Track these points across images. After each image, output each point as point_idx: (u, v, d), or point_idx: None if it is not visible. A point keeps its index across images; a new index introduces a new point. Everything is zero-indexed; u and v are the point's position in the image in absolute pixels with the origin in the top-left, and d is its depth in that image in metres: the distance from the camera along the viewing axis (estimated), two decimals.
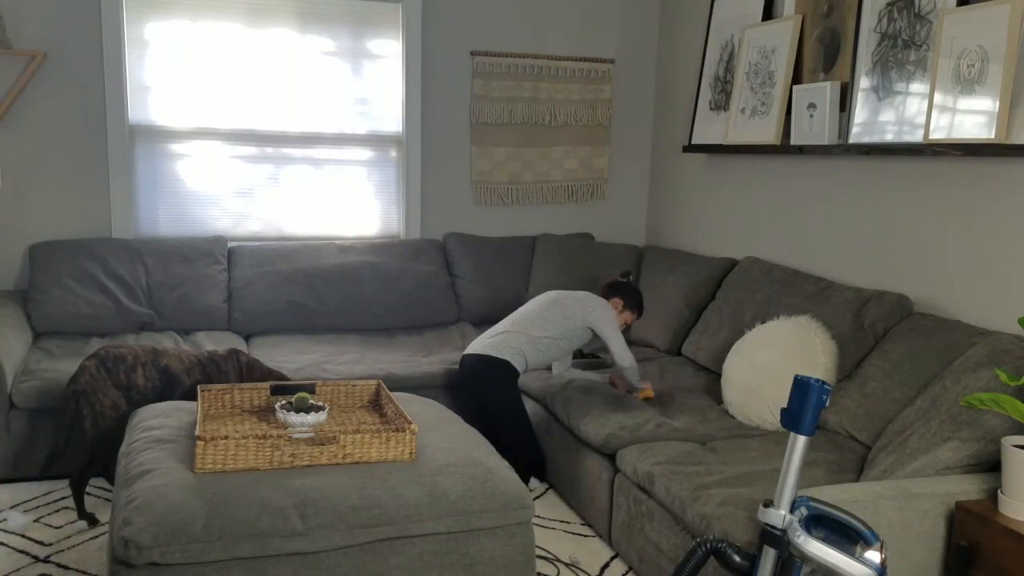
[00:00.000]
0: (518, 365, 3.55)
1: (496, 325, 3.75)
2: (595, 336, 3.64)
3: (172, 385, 3.25)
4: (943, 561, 2.31)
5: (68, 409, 3.12)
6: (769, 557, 1.94)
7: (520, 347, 3.57)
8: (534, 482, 3.67)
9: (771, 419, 3.16)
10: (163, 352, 3.30)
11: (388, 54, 4.71)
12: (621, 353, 3.55)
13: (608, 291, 3.77)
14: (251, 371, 3.39)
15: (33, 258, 4.09)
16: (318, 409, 2.65)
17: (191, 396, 3.26)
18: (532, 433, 3.59)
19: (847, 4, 3.58)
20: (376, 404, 3.03)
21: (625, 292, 3.77)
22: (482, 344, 3.61)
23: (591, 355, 4.13)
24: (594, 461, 3.22)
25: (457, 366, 3.85)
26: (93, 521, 3.18)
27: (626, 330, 3.86)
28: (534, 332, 3.59)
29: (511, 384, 3.53)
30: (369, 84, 4.70)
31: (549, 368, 3.89)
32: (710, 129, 4.48)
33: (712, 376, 3.76)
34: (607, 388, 3.57)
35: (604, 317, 3.60)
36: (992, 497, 2.30)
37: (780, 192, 4.08)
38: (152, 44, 4.33)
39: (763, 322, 3.60)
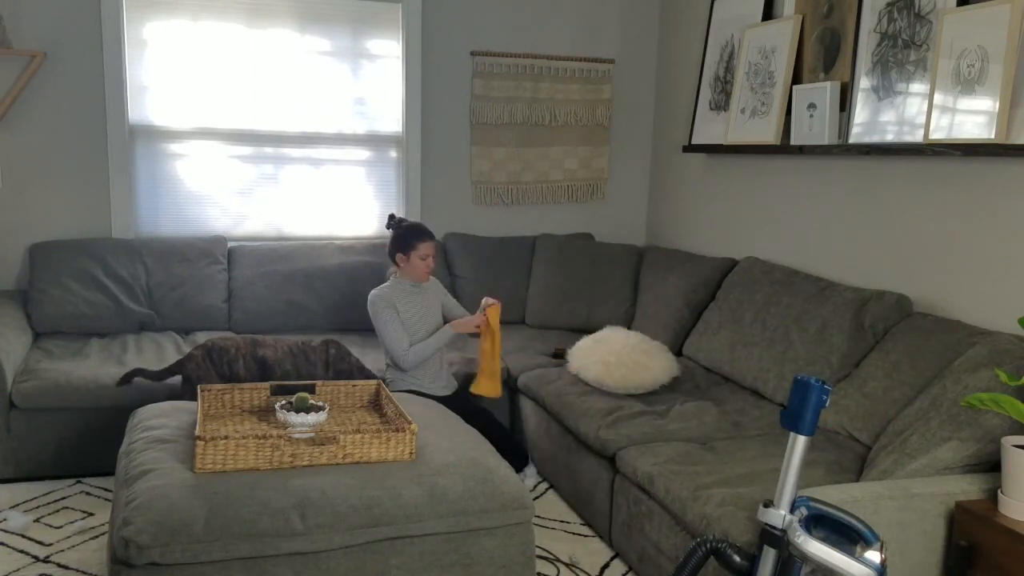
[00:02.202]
0: (415, 387, 3.57)
1: None
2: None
3: (267, 374, 3.32)
4: (943, 561, 2.31)
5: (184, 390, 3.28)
6: (769, 557, 1.95)
7: (392, 375, 3.62)
8: (532, 476, 3.67)
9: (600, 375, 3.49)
10: (261, 342, 3.37)
11: (388, 54, 4.71)
12: (392, 345, 3.52)
13: (390, 258, 3.65)
14: (338, 362, 3.41)
15: (33, 258, 4.09)
16: (318, 409, 2.65)
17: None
18: (499, 427, 3.58)
19: (847, 4, 3.58)
20: (376, 404, 3.03)
21: (396, 243, 3.60)
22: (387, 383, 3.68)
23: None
24: (594, 461, 3.22)
25: (456, 366, 3.87)
26: None
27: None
28: (386, 358, 3.67)
29: (440, 402, 3.52)
30: (369, 84, 4.70)
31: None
32: (710, 129, 4.48)
33: (713, 376, 3.76)
34: (606, 388, 3.55)
35: (372, 313, 3.57)
36: (992, 497, 2.30)
37: (780, 192, 4.08)
38: (152, 44, 4.33)
39: (763, 322, 3.60)
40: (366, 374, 3.47)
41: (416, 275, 3.60)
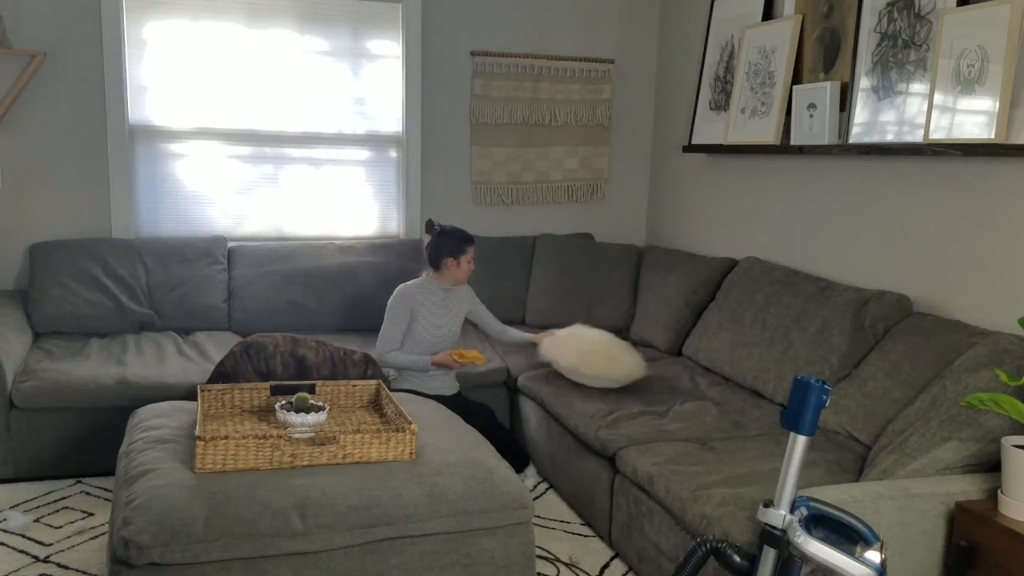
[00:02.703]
0: (418, 388, 3.61)
1: None
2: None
3: (305, 374, 3.32)
4: (943, 561, 2.31)
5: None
6: (769, 557, 1.94)
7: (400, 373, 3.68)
8: (532, 476, 3.67)
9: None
10: (302, 342, 3.37)
11: (388, 54, 4.71)
12: (379, 338, 3.60)
13: (432, 260, 3.67)
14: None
15: (33, 258, 4.09)
16: (318, 409, 2.65)
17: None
18: (500, 427, 3.60)
19: (847, 4, 3.58)
20: (376, 404, 3.03)
21: (444, 247, 3.64)
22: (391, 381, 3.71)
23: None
24: (594, 461, 3.22)
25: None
26: None
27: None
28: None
29: (442, 402, 3.54)
30: (369, 84, 4.70)
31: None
32: (710, 129, 4.48)
33: (713, 376, 3.76)
34: (606, 388, 3.56)
35: (389, 305, 3.64)
36: (992, 497, 2.30)
37: (780, 192, 4.08)
38: (152, 44, 4.33)
39: (763, 322, 3.60)
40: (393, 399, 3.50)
41: (460, 278, 3.68)
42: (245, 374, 3.27)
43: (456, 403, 3.61)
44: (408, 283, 3.68)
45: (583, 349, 3.57)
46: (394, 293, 3.66)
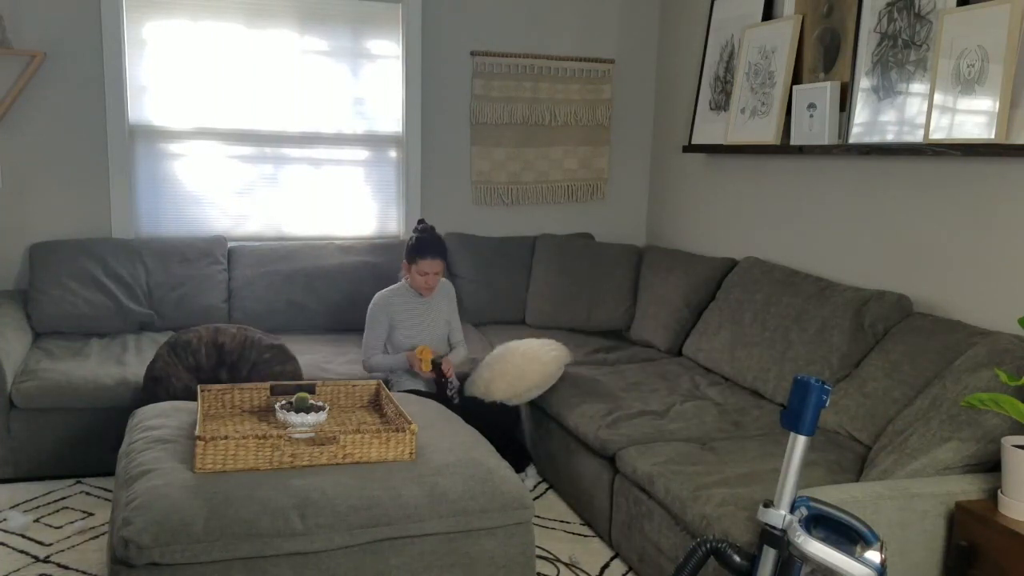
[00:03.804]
0: (419, 388, 3.58)
1: None
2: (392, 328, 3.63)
3: (223, 358, 3.39)
4: (943, 561, 2.31)
5: (146, 394, 3.31)
6: (769, 557, 1.95)
7: (398, 375, 3.63)
8: (532, 476, 3.67)
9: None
10: (223, 330, 3.43)
11: (388, 54, 4.71)
12: (363, 346, 3.61)
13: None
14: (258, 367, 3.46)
15: (33, 258, 4.09)
16: (318, 409, 2.65)
17: (234, 373, 3.39)
18: (506, 427, 3.59)
19: (847, 4, 3.58)
20: (376, 404, 3.03)
21: (405, 250, 3.61)
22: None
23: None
24: (593, 462, 3.22)
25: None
26: None
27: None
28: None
29: (432, 394, 3.53)
30: (369, 84, 4.70)
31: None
32: (710, 129, 4.48)
33: (713, 376, 3.76)
34: (606, 388, 3.56)
35: (367, 315, 3.63)
36: (992, 497, 2.30)
37: (780, 192, 4.08)
38: (152, 44, 4.33)
39: (763, 322, 3.60)
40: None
41: (416, 285, 3.63)
42: (176, 373, 3.32)
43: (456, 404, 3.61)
44: (386, 289, 3.68)
45: (484, 376, 3.58)
46: (372, 300, 3.65)
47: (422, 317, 3.66)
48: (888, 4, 3.37)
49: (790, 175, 4.01)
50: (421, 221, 3.69)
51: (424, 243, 3.57)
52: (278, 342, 3.52)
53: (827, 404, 1.91)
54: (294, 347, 4.09)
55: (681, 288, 4.19)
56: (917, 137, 3.20)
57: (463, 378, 3.77)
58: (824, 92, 3.54)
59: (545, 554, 3.09)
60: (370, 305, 3.65)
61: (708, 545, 2.01)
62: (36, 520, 3.21)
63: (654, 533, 2.79)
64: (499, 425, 3.56)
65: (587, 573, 2.98)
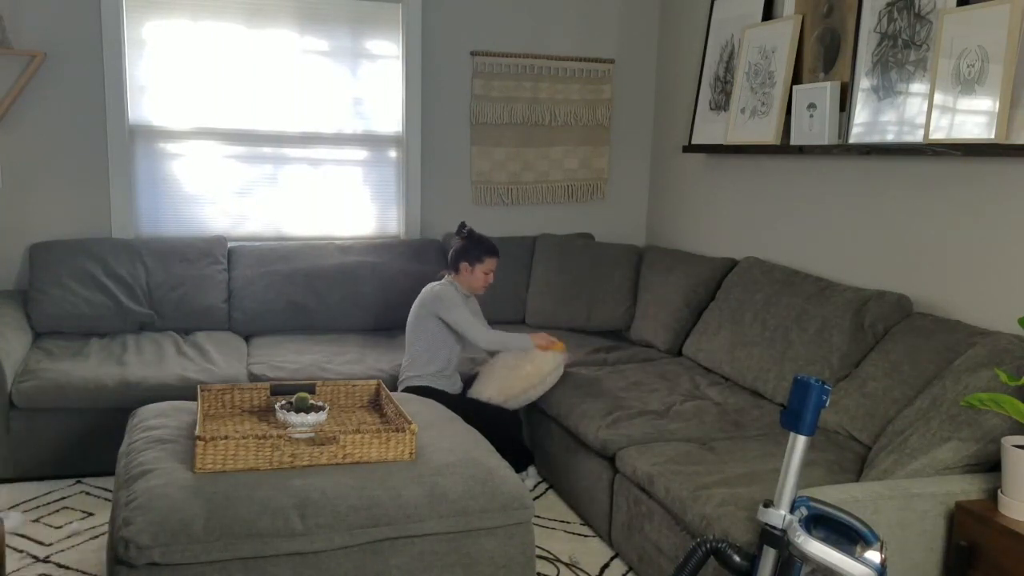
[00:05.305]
0: (431, 384, 3.58)
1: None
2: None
3: None
4: (943, 561, 2.31)
5: None
6: (769, 557, 1.95)
7: (416, 371, 3.61)
8: (532, 476, 3.67)
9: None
10: None
11: (388, 54, 4.71)
12: (472, 332, 3.54)
13: (451, 263, 3.68)
14: None
15: (33, 258, 4.09)
16: (318, 409, 2.65)
17: None
18: (507, 427, 3.59)
19: (847, 4, 3.58)
20: (376, 404, 3.03)
21: (464, 252, 3.64)
22: (400, 380, 3.68)
23: None
24: (594, 462, 3.22)
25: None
26: None
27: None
28: (413, 351, 3.64)
29: (448, 399, 3.52)
30: (369, 84, 4.70)
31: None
32: (710, 129, 4.48)
33: (713, 376, 3.76)
34: (606, 388, 3.56)
35: (443, 303, 3.58)
36: (992, 497, 2.30)
37: (780, 192, 4.08)
38: (152, 44, 4.33)
39: (763, 322, 3.60)
40: None
41: (473, 286, 3.67)
42: None
43: (459, 402, 3.61)
44: (439, 283, 3.67)
45: (487, 382, 3.60)
46: (435, 294, 3.61)
47: (476, 316, 3.71)
48: (888, 4, 3.37)
49: (790, 175, 4.01)
50: (463, 225, 3.72)
51: (490, 243, 3.68)
52: None
53: (827, 404, 1.91)
54: (294, 347, 4.10)
55: (681, 288, 4.19)
56: (917, 137, 3.20)
57: (465, 379, 3.78)
58: (824, 92, 3.54)
59: (545, 554, 3.09)
60: (442, 298, 3.56)
61: (708, 545, 2.01)
62: (36, 520, 3.21)
63: (654, 533, 2.79)
64: (499, 425, 3.56)
65: (587, 573, 2.98)
